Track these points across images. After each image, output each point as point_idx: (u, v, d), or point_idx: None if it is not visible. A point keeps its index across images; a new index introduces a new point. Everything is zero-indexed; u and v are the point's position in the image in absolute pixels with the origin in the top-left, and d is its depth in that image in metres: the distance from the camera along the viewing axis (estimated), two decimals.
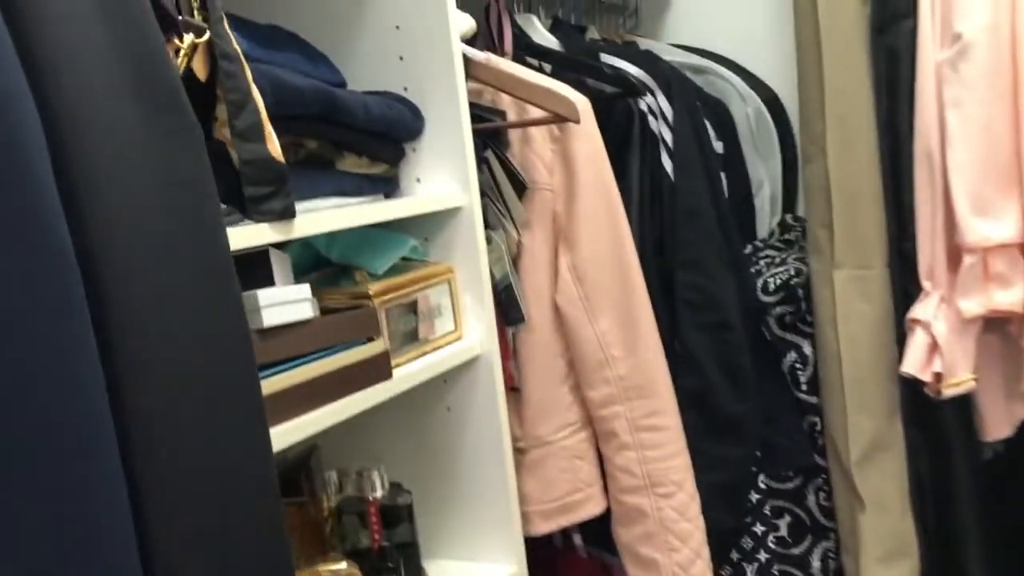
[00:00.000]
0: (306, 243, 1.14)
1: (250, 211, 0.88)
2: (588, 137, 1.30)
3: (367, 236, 1.15)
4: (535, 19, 1.56)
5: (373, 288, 1.07)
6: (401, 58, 1.19)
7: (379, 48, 1.20)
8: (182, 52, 0.82)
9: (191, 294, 0.61)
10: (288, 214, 0.91)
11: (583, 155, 1.30)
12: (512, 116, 1.31)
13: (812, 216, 1.46)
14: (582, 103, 1.26)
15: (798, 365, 1.50)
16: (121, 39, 0.53)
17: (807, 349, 1.49)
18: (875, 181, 1.38)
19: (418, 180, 1.21)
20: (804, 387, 1.50)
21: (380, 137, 1.14)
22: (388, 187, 1.20)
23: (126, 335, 0.55)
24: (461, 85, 1.16)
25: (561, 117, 1.22)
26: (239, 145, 0.87)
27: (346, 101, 1.06)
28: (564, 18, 1.73)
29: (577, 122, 1.22)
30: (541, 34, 1.55)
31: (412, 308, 1.13)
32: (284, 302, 0.92)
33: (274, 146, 0.90)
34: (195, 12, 0.87)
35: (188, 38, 0.83)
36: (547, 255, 1.31)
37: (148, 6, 0.58)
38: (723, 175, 1.63)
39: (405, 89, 1.20)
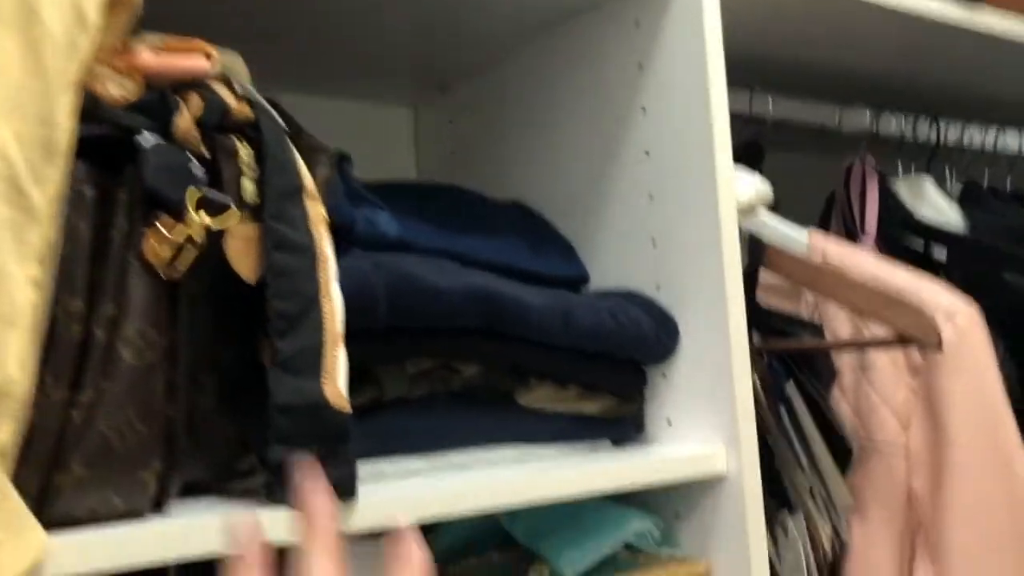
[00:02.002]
0: None
1: (272, 486, 0.55)
2: (973, 368, 0.77)
3: (567, 508, 0.75)
4: (928, 183, 1.07)
5: None
6: (653, 241, 0.81)
7: (627, 226, 0.84)
8: (171, 241, 0.54)
9: None
10: (344, 492, 0.56)
11: (962, 397, 0.77)
12: (847, 333, 0.83)
13: None
14: (961, 317, 0.75)
15: None
16: None
17: None
18: None
19: (669, 422, 0.79)
20: None
21: (596, 358, 0.75)
22: (618, 431, 0.79)
23: None
24: (734, 278, 0.74)
25: (909, 339, 0.72)
26: (277, 380, 0.56)
27: (524, 306, 0.70)
28: (992, 182, 1.20)
29: (935, 348, 0.71)
30: (934, 204, 1.05)
31: None
32: None
33: (333, 387, 0.57)
34: (245, 180, 0.59)
35: (196, 219, 0.54)
36: (890, 564, 0.78)
37: None
38: None
39: (658, 288, 0.80)
